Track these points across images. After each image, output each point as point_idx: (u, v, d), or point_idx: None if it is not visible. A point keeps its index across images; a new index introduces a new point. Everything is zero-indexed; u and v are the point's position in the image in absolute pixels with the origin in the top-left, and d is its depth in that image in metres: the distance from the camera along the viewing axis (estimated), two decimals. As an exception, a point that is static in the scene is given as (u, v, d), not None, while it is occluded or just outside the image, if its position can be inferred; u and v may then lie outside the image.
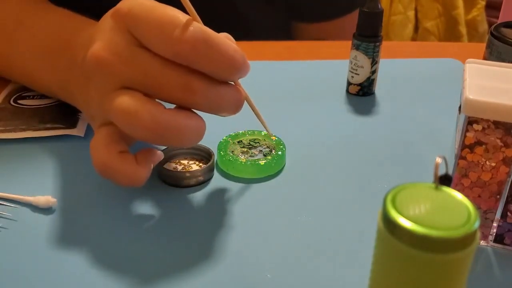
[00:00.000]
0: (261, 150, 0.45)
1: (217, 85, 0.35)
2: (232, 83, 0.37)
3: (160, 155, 0.38)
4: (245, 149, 0.45)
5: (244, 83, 0.40)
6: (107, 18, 0.36)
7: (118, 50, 0.34)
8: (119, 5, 0.35)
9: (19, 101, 0.52)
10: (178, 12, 0.34)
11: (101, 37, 0.35)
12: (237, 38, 0.37)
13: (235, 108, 0.38)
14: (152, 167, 0.37)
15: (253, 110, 0.43)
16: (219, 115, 0.38)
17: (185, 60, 0.33)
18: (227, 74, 0.35)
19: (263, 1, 0.78)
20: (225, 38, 0.35)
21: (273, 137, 0.46)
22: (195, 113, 0.36)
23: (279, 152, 0.44)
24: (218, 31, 0.35)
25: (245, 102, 0.39)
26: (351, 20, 0.65)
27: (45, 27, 0.49)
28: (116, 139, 0.36)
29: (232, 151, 0.45)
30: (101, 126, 0.37)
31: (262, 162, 0.42)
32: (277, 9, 0.79)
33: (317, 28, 0.82)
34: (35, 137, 0.47)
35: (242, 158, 0.43)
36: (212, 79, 0.35)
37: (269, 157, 0.43)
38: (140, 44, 0.34)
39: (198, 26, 0.33)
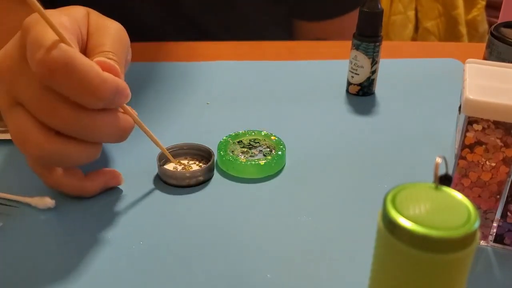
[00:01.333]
0: (261, 150, 0.45)
1: (90, 113, 0.34)
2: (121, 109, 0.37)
3: (113, 179, 0.40)
4: (245, 149, 0.45)
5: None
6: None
7: (12, 64, 0.35)
8: (28, 17, 0.35)
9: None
10: (52, 33, 0.33)
11: (7, 46, 0.36)
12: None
13: (116, 136, 0.36)
14: (103, 185, 0.40)
15: (146, 134, 0.41)
16: (104, 142, 0.37)
17: (46, 80, 0.33)
18: (91, 103, 0.33)
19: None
20: (93, 66, 0.33)
21: (273, 137, 0.46)
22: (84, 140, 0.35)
23: (279, 152, 0.44)
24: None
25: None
26: (352, 19, 0.65)
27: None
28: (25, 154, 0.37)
29: (232, 151, 0.45)
30: None
31: (262, 162, 0.42)
32: (278, 7, 0.79)
33: (318, 27, 0.82)
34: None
35: (242, 158, 0.43)
36: (84, 106, 0.34)
37: (269, 157, 0.43)
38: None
39: (63, 50, 0.32)
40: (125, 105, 0.37)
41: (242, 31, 0.75)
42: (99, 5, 0.42)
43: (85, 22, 0.38)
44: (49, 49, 0.32)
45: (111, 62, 0.35)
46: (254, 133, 0.47)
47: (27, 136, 0.34)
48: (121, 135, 0.36)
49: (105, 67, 0.34)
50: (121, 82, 0.35)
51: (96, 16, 0.39)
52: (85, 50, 0.38)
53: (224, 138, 0.46)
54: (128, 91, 0.36)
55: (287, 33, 0.83)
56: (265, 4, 0.78)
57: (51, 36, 0.32)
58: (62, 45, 0.32)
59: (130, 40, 0.41)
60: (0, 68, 0.36)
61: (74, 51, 0.33)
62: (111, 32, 0.38)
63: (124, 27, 0.40)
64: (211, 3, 0.75)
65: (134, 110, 0.39)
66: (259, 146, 0.46)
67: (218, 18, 0.77)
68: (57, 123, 0.34)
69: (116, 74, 0.35)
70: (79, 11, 0.39)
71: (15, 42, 0.36)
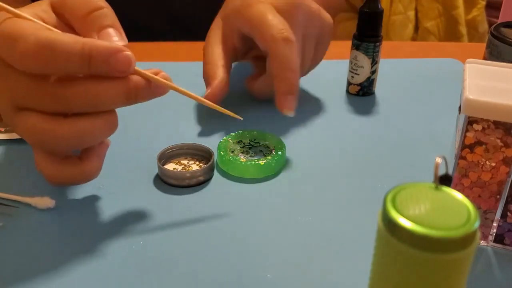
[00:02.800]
0: (261, 150, 0.45)
1: (89, 81, 0.33)
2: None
3: (104, 145, 0.38)
4: (245, 149, 0.45)
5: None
6: None
7: None
8: None
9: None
10: (22, 23, 0.33)
11: None
12: None
13: (122, 99, 0.34)
14: (100, 158, 0.38)
15: (182, 93, 0.38)
16: (122, 106, 0.35)
17: (36, 70, 0.33)
18: (85, 69, 0.33)
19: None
20: (69, 36, 0.33)
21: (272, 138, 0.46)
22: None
23: (279, 152, 0.44)
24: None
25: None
26: None
27: None
28: (49, 152, 0.36)
29: (232, 151, 0.45)
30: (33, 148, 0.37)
31: (262, 162, 0.42)
32: None
33: None
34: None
35: (242, 158, 0.43)
36: (85, 77, 0.33)
37: (269, 157, 0.43)
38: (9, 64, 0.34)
39: (38, 33, 0.32)
40: (136, 68, 0.35)
41: None
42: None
43: (46, 8, 0.38)
44: (22, 39, 0.32)
45: (110, 30, 0.36)
46: (254, 133, 0.47)
47: (39, 132, 0.34)
48: (129, 96, 0.35)
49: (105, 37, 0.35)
50: (114, 45, 0.34)
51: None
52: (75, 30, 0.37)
53: (224, 138, 0.46)
54: (127, 53, 0.34)
55: None
56: None
57: (19, 27, 0.32)
58: (33, 30, 0.32)
59: (130, 40, 0.41)
60: None
61: (49, 31, 0.32)
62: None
63: (124, 27, 0.40)
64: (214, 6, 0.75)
65: (166, 74, 0.37)
66: (259, 146, 0.46)
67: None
68: (63, 105, 0.33)
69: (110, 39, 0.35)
70: (39, 2, 0.38)
71: None
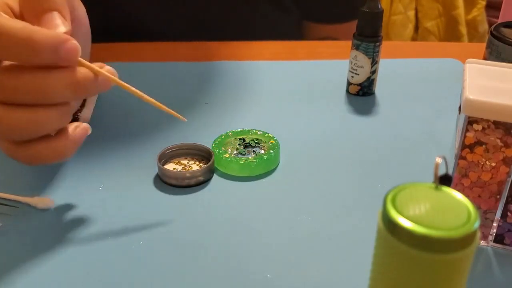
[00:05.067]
0: (254, 151, 0.45)
1: (35, 71, 0.32)
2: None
3: (80, 129, 0.36)
4: (241, 147, 0.45)
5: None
6: None
7: None
8: None
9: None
10: None
11: None
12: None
13: (70, 91, 0.33)
14: (74, 140, 0.36)
15: (127, 89, 0.37)
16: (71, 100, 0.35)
17: None
18: (32, 58, 0.32)
19: (273, 4, 0.78)
20: (16, 21, 0.32)
21: (272, 141, 0.46)
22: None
23: (265, 156, 0.43)
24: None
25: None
26: None
27: None
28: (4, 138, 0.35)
29: (227, 147, 0.45)
30: None
31: (242, 161, 0.43)
32: (288, 11, 0.79)
33: (328, 28, 0.82)
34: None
35: (227, 154, 0.43)
36: (33, 68, 0.32)
37: (251, 158, 0.43)
38: None
39: None
40: (83, 60, 0.34)
41: (249, 34, 0.75)
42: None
43: None
44: None
45: (55, 14, 0.34)
46: (252, 132, 0.47)
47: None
48: (77, 89, 0.33)
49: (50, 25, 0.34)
50: (61, 34, 0.33)
51: None
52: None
53: (224, 134, 0.46)
54: (74, 42, 0.33)
55: (295, 34, 0.83)
56: (275, 9, 0.78)
57: None
58: None
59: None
60: None
61: None
62: None
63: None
64: (218, 4, 0.75)
65: (113, 69, 0.36)
66: (256, 146, 0.46)
67: (222, 25, 0.76)
68: (5, 95, 0.33)
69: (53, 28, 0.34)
70: None
71: None
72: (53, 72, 0.33)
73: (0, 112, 0.33)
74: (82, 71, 0.34)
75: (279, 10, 0.79)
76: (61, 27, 0.34)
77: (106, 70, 0.35)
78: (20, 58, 0.32)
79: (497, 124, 0.32)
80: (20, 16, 0.36)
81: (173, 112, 0.38)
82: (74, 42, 0.33)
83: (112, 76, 0.35)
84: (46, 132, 0.35)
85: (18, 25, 0.31)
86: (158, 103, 0.38)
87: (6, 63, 0.33)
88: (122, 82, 0.36)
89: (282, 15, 0.79)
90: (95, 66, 0.35)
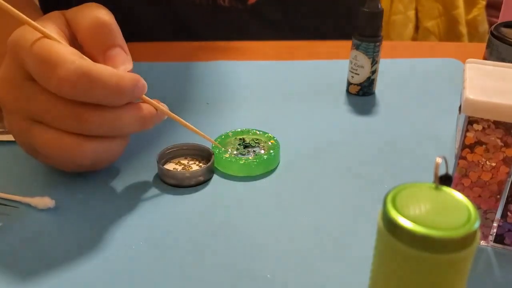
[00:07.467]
0: (255, 151, 0.45)
1: (112, 109, 0.36)
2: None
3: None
4: (241, 147, 0.45)
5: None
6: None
7: (11, 86, 0.36)
8: (10, 36, 0.35)
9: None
10: (59, 47, 0.34)
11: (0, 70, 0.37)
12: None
13: (138, 125, 0.37)
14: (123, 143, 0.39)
15: (179, 122, 0.42)
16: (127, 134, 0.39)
17: (70, 96, 0.34)
18: (116, 101, 0.35)
19: (266, 26, 0.78)
20: (105, 68, 0.34)
21: (272, 141, 0.46)
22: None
23: (265, 156, 0.44)
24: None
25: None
26: None
27: None
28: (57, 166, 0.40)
29: (227, 147, 0.45)
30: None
31: (242, 161, 0.42)
32: (281, 31, 0.79)
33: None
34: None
35: (227, 154, 0.43)
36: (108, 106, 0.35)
37: (250, 158, 0.43)
38: (32, 78, 0.35)
39: (78, 62, 0.33)
40: (146, 97, 0.38)
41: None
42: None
43: (64, 21, 0.38)
44: (64, 64, 0.33)
45: (118, 51, 0.37)
46: (250, 132, 0.47)
47: (61, 147, 0.35)
48: (143, 122, 0.37)
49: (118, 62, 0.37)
50: (135, 75, 0.36)
51: (73, 14, 0.39)
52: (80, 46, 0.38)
53: (224, 134, 0.46)
54: (143, 81, 0.36)
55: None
56: (268, 29, 0.78)
57: (56, 51, 0.33)
58: (75, 58, 0.33)
59: (129, 40, 0.41)
60: (6, 100, 0.37)
61: (87, 61, 0.34)
62: (100, 21, 0.38)
63: (124, 27, 0.40)
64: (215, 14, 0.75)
65: (165, 105, 0.40)
66: (256, 146, 0.46)
67: (220, 31, 0.77)
68: (85, 129, 0.35)
69: (129, 68, 0.37)
70: (55, 15, 0.39)
71: (9, 64, 0.36)
72: (126, 109, 0.36)
73: (66, 142, 0.35)
74: (146, 107, 0.38)
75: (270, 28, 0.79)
76: (127, 65, 0.38)
77: (161, 105, 0.39)
78: (106, 101, 0.35)
79: (497, 124, 0.32)
80: (73, 42, 0.38)
81: (208, 137, 0.44)
82: (143, 81, 0.37)
83: (167, 110, 0.40)
84: (103, 165, 0.41)
85: (108, 72, 0.34)
86: (204, 134, 0.43)
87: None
88: (174, 115, 0.41)
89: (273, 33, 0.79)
90: (154, 101, 0.39)
